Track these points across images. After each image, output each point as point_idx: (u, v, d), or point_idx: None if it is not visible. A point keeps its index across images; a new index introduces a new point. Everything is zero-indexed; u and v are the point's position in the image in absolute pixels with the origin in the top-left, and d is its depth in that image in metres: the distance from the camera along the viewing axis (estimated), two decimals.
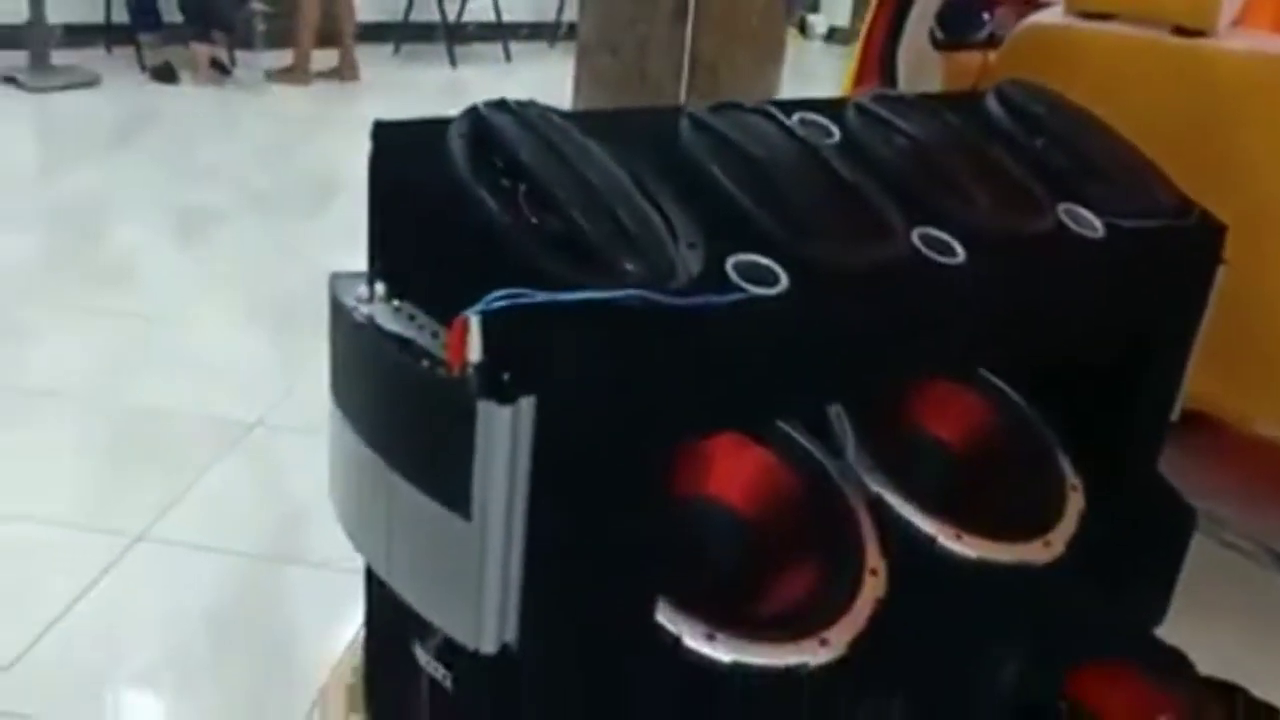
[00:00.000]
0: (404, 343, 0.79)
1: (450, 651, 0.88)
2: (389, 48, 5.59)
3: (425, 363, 0.76)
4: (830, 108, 1.10)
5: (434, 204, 0.83)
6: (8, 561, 1.94)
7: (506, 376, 0.74)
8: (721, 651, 0.91)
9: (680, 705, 0.89)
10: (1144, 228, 1.12)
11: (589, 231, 0.79)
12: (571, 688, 0.84)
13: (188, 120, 4.58)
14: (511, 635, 0.80)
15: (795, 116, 1.06)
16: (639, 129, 0.98)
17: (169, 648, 1.76)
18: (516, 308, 0.74)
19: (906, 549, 1.07)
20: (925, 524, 1.08)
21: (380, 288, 0.83)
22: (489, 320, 0.73)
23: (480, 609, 0.78)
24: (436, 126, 0.85)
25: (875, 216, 0.96)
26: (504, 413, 0.72)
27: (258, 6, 5.30)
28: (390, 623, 0.97)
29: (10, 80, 4.42)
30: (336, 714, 1.08)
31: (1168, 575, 1.29)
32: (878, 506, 1.09)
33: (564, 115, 0.91)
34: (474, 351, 0.74)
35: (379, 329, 0.80)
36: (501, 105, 0.88)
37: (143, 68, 4.83)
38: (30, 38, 4.43)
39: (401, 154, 0.86)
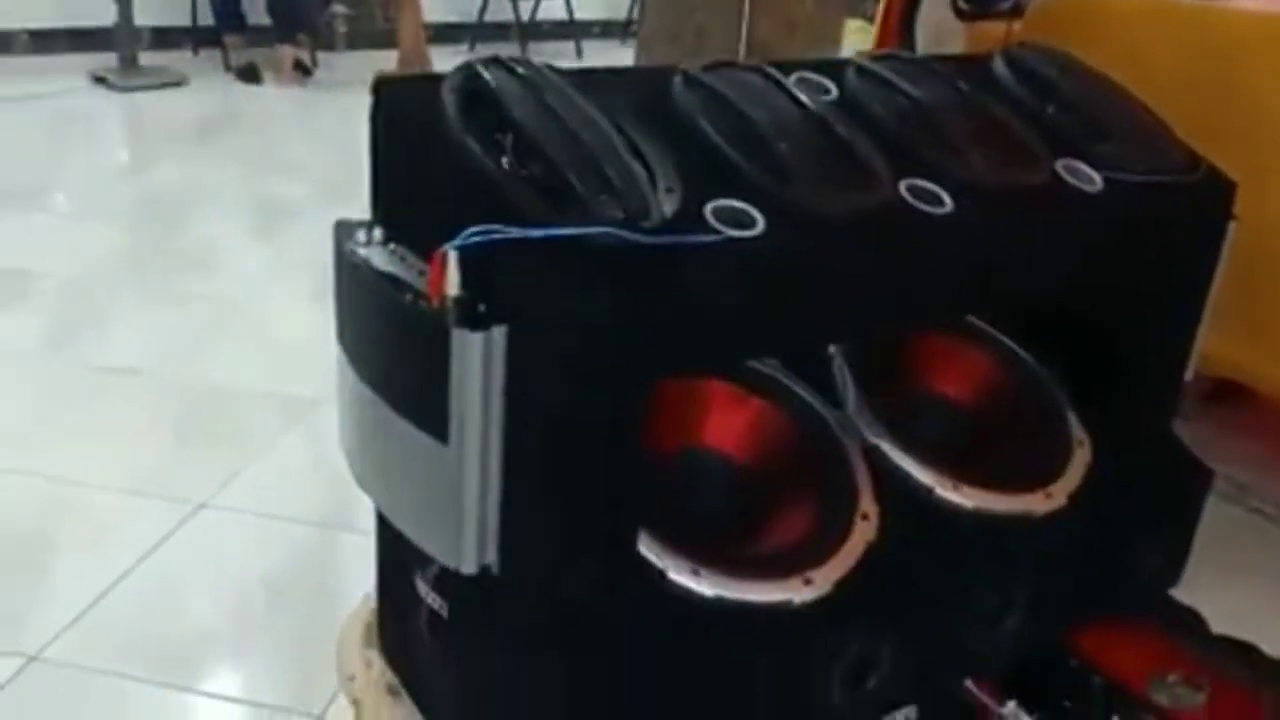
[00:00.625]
0: (394, 281, 0.84)
1: (445, 580, 0.93)
2: (464, 48, 5.70)
3: (410, 297, 0.81)
4: (832, 68, 1.12)
5: (424, 153, 0.88)
6: (80, 524, 2.06)
7: (482, 308, 0.78)
8: (705, 586, 0.95)
9: (665, 638, 0.92)
10: (1146, 182, 1.13)
11: (569, 177, 0.83)
12: (552, 613, 0.88)
13: (270, 119, 4.74)
14: (492, 557, 0.85)
15: (793, 76, 1.09)
16: (634, 85, 1.02)
17: (226, 607, 1.85)
18: (490, 243, 0.78)
19: (903, 497, 1.09)
20: (922, 473, 1.10)
21: (377, 232, 0.89)
22: (465, 255, 0.78)
23: (460, 530, 0.83)
24: (433, 82, 0.90)
25: (860, 166, 0.98)
26: (476, 340, 0.77)
27: (340, 10, 5.45)
28: (395, 557, 1.03)
29: (101, 80, 4.62)
30: (353, 649, 1.13)
31: (1182, 536, 1.28)
32: (875, 456, 1.11)
33: (560, 72, 0.95)
34: (452, 285, 0.79)
35: (372, 269, 0.85)
36: (495, 61, 0.93)
37: (227, 68, 5.00)
38: (118, 40, 4.62)
39: (399, 107, 0.91)
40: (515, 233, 0.79)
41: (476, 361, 0.78)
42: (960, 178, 1.02)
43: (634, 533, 0.91)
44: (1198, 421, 1.47)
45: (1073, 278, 1.15)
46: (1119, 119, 1.19)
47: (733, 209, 0.90)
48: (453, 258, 0.78)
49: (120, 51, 4.65)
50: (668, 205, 0.85)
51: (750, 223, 0.89)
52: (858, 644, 1.02)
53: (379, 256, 0.86)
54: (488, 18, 5.85)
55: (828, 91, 1.10)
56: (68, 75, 4.62)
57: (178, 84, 4.75)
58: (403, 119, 0.91)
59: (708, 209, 0.89)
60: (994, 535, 1.11)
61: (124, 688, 1.71)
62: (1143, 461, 1.23)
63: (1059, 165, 1.11)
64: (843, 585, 1.00)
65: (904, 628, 1.05)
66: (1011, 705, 1.24)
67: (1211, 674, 1.24)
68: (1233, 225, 1.22)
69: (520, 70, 0.92)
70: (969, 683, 1.28)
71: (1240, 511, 1.63)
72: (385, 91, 0.91)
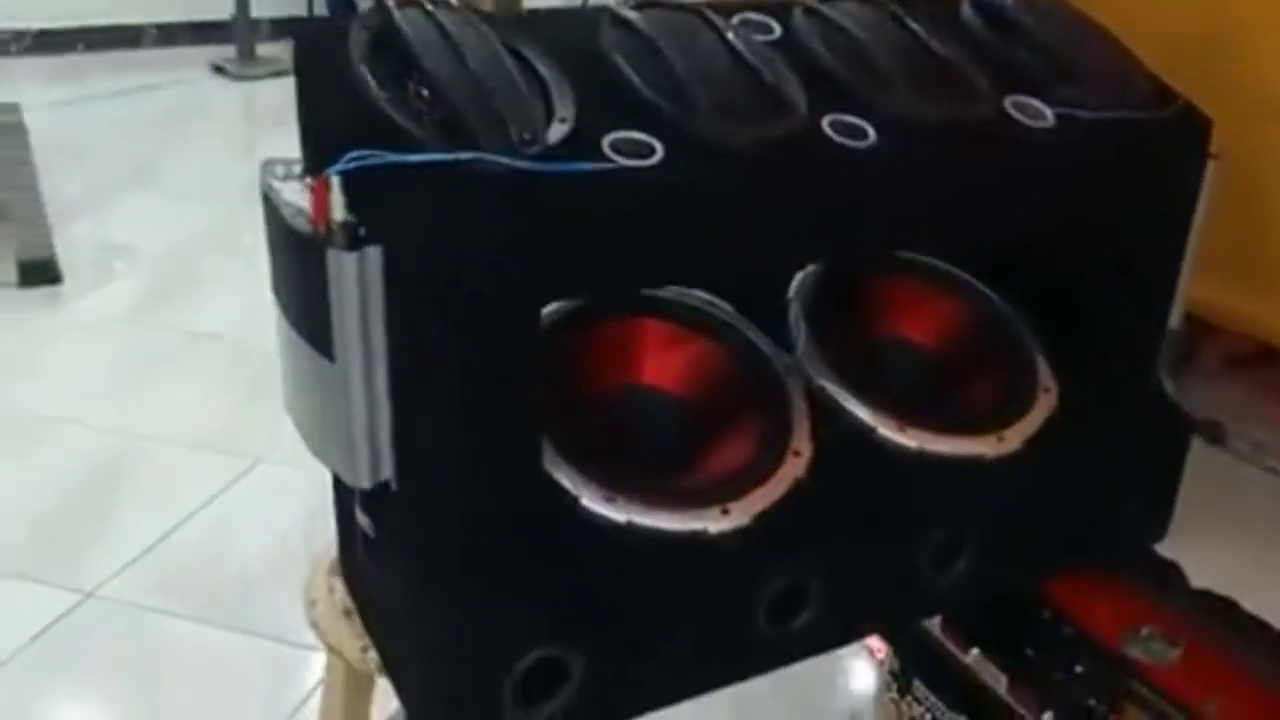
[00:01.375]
0: (298, 211, 0.89)
1: (368, 500, 0.97)
2: None
3: (300, 222, 0.86)
4: (780, 9, 1.12)
5: (330, 91, 0.92)
6: (146, 475, 2.20)
7: (362, 231, 0.82)
8: (618, 513, 0.97)
9: (577, 562, 0.95)
10: (1104, 119, 1.09)
11: (457, 106, 0.86)
12: (457, 532, 0.91)
13: None
14: (388, 473, 0.89)
15: (737, 16, 1.10)
16: (565, 25, 1.04)
17: (270, 554, 1.96)
18: (368, 167, 0.82)
19: (843, 437, 1.09)
20: (866, 413, 1.10)
21: (295, 168, 0.94)
22: (345, 179, 0.82)
23: (352, 445, 0.87)
24: (347, 25, 0.94)
25: (777, 100, 0.98)
26: (350, 260, 0.81)
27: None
28: (341, 487, 1.08)
29: (220, 70, 4.85)
30: (321, 578, 1.19)
31: (1163, 489, 1.24)
32: (819, 396, 1.11)
33: (481, 14, 0.99)
34: (336, 209, 0.83)
35: (284, 201, 0.90)
36: (410, 2, 0.97)
37: None
38: (238, 32, 4.85)
39: (312, 47, 0.96)
40: (393, 157, 0.82)
41: (352, 281, 0.82)
42: (889, 112, 1.01)
43: (535, 455, 0.94)
44: (1226, 382, 1.42)
45: (1029, 218, 1.12)
46: (1086, 56, 1.15)
47: (632, 140, 0.91)
48: (335, 182, 0.82)
49: (239, 43, 4.88)
50: (556, 134, 0.88)
51: (648, 153, 0.91)
52: (782, 578, 1.02)
53: (289, 189, 0.91)
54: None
55: (770, 31, 1.10)
56: (190, 67, 4.87)
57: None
58: (314, 59, 0.95)
59: (606, 140, 0.91)
60: (940, 477, 1.10)
61: (169, 625, 1.83)
62: (1115, 411, 1.20)
63: (1007, 102, 1.08)
64: (764, 518, 1.01)
65: (838, 564, 1.05)
66: (975, 653, 1.23)
67: (1188, 629, 1.20)
68: (1213, 165, 1.17)
69: (433, 9, 0.95)
70: (936, 628, 1.27)
71: (1256, 470, 1.57)
72: (303, 36, 0.96)
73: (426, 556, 0.92)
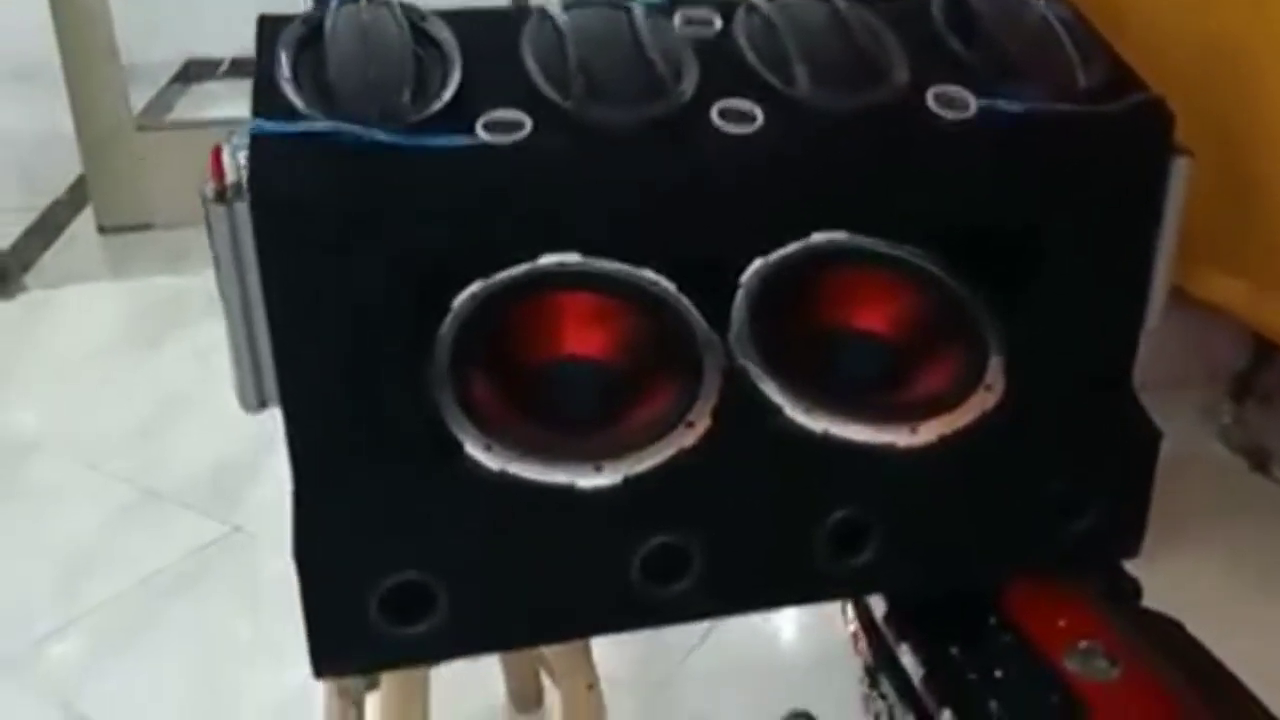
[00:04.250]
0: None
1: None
2: None
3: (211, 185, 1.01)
4: (728, 6, 1.17)
5: (264, 72, 1.07)
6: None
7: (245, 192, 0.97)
8: (493, 461, 1.05)
9: (453, 503, 1.05)
10: (1036, 111, 1.07)
11: (337, 86, 0.99)
12: (336, 462, 1.04)
13: None
14: (271, 398, 1.03)
15: (681, 12, 1.16)
16: (489, 20, 1.14)
17: None
18: (255, 135, 0.96)
19: (748, 415, 1.12)
20: (776, 395, 1.12)
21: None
22: (235, 148, 0.97)
23: (240, 374, 1.02)
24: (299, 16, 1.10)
25: (662, 84, 1.04)
26: (221, 211, 0.96)
27: None
28: None
29: None
30: None
31: (1130, 505, 1.18)
32: (738, 376, 1.14)
33: (422, 12, 1.11)
34: (229, 172, 0.98)
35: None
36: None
37: None
38: None
39: (263, 36, 1.11)
40: (270, 127, 0.96)
41: (225, 233, 0.96)
42: (783, 99, 1.05)
43: (410, 398, 1.04)
44: None
45: (961, 208, 1.11)
46: (1039, 51, 1.13)
47: (506, 118, 1.00)
48: (225, 150, 0.97)
49: None
50: (426, 110, 0.98)
51: (515, 129, 1.00)
52: (656, 540, 1.07)
53: (228, 158, 1.07)
54: None
55: (710, 25, 1.15)
56: None
57: None
58: (261, 45, 1.10)
59: (482, 118, 1.00)
60: (845, 463, 1.11)
61: None
62: (1070, 416, 1.15)
63: (931, 92, 1.08)
64: (638, 480, 1.06)
65: (723, 535, 1.09)
66: (905, 646, 1.22)
67: (1130, 650, 1.13)
68: (1181, 162, 1.11)
69: (366, 4, 1.08)
70: (866, 616, 1.27)
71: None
72: (261, 22, 1.11)
73: (308, 483, 1.05)
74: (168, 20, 3.95)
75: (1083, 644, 1.15)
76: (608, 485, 1.06)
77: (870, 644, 1.34)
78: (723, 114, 1.04)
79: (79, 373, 2.69)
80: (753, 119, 1.04)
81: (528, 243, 1.06)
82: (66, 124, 3.51)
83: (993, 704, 1.10)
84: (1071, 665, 1.14)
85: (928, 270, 1.23)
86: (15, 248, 3.16)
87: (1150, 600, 1.27)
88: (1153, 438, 1.17)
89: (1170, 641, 1.14)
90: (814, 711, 1.47)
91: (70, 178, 3.37)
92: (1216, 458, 2.08)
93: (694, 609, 1.12)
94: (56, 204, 3.38)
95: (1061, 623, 1.18)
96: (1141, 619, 1.17)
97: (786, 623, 1.77)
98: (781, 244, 1.20)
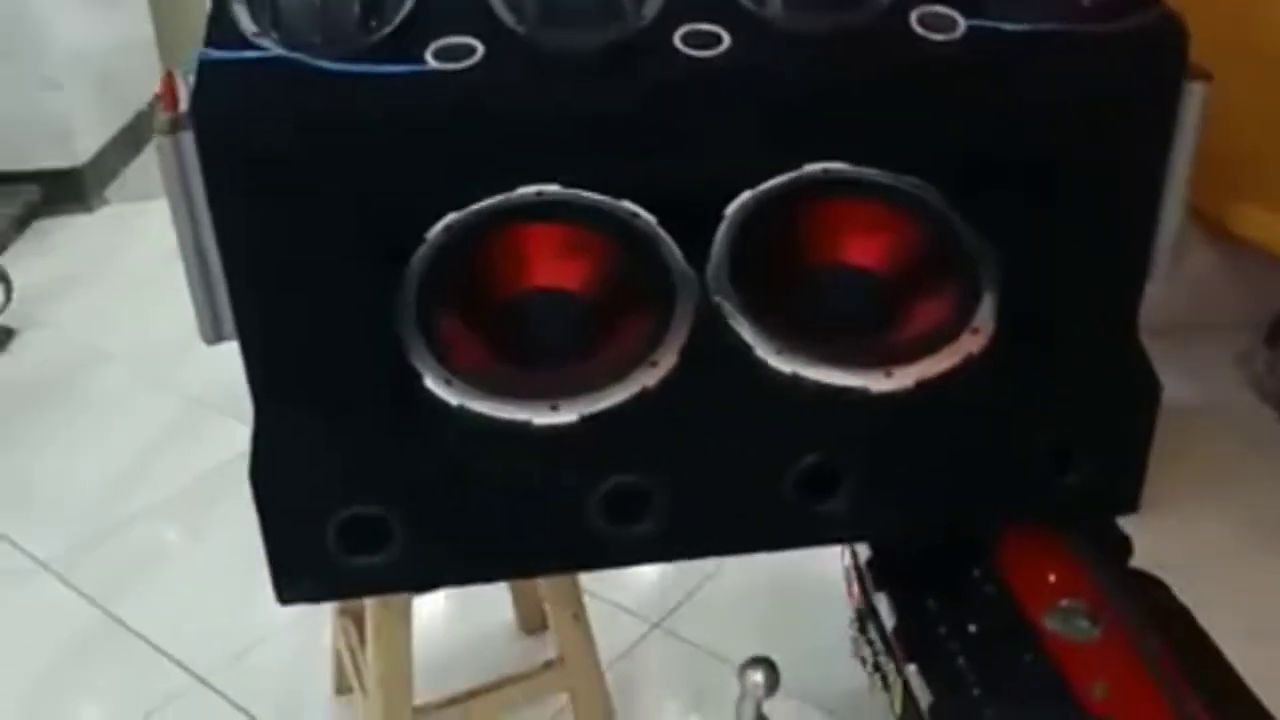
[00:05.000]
0: None
1: None
2: None
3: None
4: None
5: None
6: None
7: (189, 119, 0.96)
8: (452, 396, 1.04)
9: (410, 436, 1.04)
10: (1027, 31, 0.99)
11: (287, 15, 0.97)
12: (295, 394, 1.04)
13: None
14: (229, 334, 1.03)
15: None
16: None
17: None
18: (202, 63, 0.95)
19: (717, 355, 1.08)
20: (748, 334, 1.08)
21: None
22: (184, 76, 0.96)
23: (197, 309, 1.02)
24: None
25: (619, 9, 0.99)
26: (166, 142, 0.95)
27: None
28: None
29: None
30: None
31: (1127, 458, 1.11)
32: (711, 313, 1.10)
33: None
34: (182, 101, 0.97)
35: None
36: None
37: None
38: None
39: None
40: (216, 55, 0.95)
41: (173, 161, 0.95)
42: (754, 20, 0.99)
43: (366, 331, 1.03)
44: None
45: (955, 132, 1.04)
46: None
47: (454, 45, 0.97)
48: (178, 75, 0.96)
49: None
50: (369, 38, 0.96)
51: (465, 56, 0.96)
52: (614, 479, 1.05)
53: (181, 85, 1.05)
54: None
55: None
56: None
57: None
58: None
59: (433, 45, 0.97)
60: (815, 406, 1.07)
61: None
62: (1062, 364, 1.09)
63: (915, 13, 1.01)
64: (593, 420, 1.04)
65: (687, 476, 1.07)
66: (882, 595, 1.19)
67: (1111, 609, 1.08)
68: (1196, 87, 1.02)
69: None
70: (854, 561, 1.24)
71: None
72: None
73: (267, 414, 1.05)
74: None
75: (1065, 602, 1.11)
76: (564, 423, 1.04)
77: (860, 589, 1.31)
78: (686, 38, 0.99)
79: (149, 288, 2.77)
80: (718, 41, 0.99)
81: (486, 174, 1.03)
82: (148, 30, 3.56)
83: (960, 660, 1.07)
84: (1051, 624, 1.10)
85: (926, 202, 1.17)
86: (95, 161, 3.24)
87: (1156, 551, 1.21)
88: (1153, 390, 1.10)
89: (1155, 604, 1.09)
90: (815, 646, 1.46)
91: (154, 88, 3.43)
92: (1245, 406, 1.95)
93: (655, 551, 1.10)
94: (140, 115, 3.44)
95: (1051, 578, 1.14)
96: (1129, 579, 1.12)
97: (802, 558, 1.74)
98: (769, 176, 1.15)
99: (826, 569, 1.72)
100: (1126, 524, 1.20)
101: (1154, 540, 1.20)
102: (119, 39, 3.42)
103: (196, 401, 2.27)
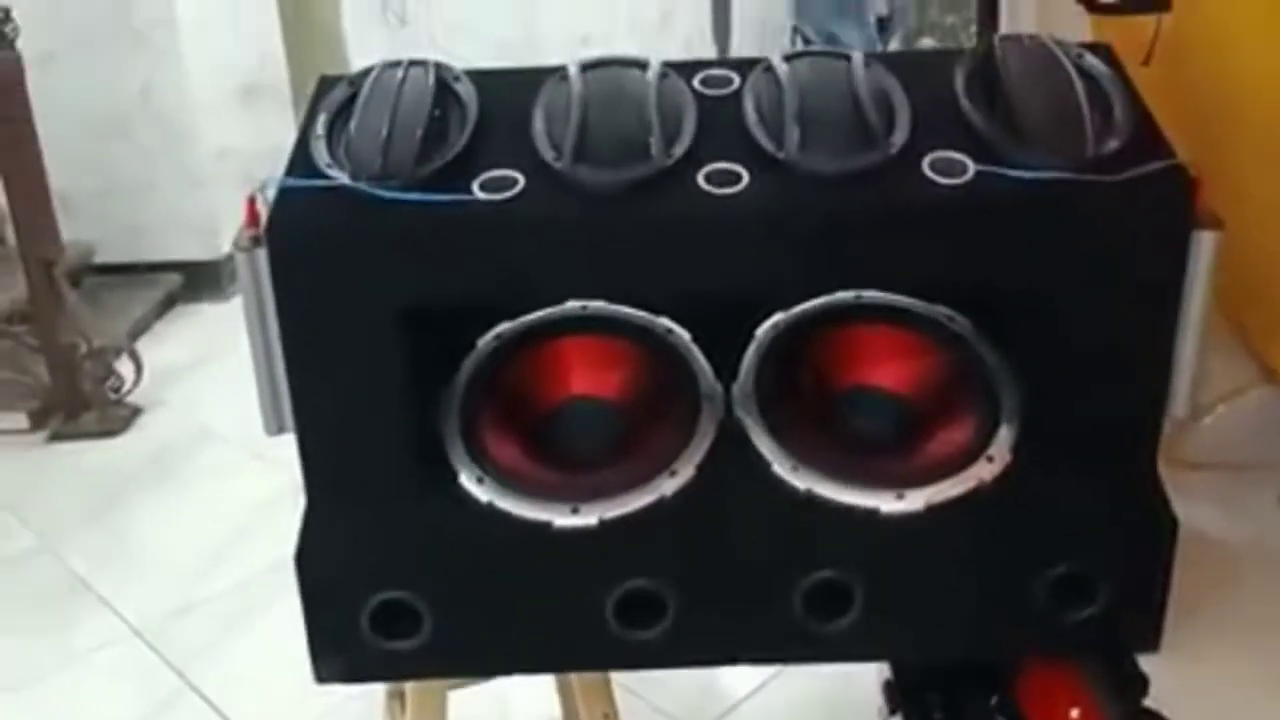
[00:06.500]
0: None
1: None
2: None
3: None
4: (747, 64, 1.19)
5: (301, 133, 1.18)
6: None
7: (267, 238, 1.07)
8: (483, 493, 1.12)
9: (443, 531, 1.13)
10: (1035, 179, 1.04)
11: (356, 145, 1.09)
12: (339, 487, 1.13)
13: None
14: (288, 426, 1.13)
15: (702, 73, 1.19)
16: (510, 82, 1.20)
17: None
18: (279, 190, 1.07)
19: (735, 468, 1.13)
20: (766, 449, 1.14)
21: None
22: (264, 199, 1.08)
23: (262, 403, 1.13)
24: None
25: (653, 147, 1.08)
26: (243, 257, 1.06)
27: None
28: None
29: None
30: None
31: (1143, 595, 1.11)
32: (733, 428, 1.16)
33: (450, 71, 1.19)
34: (262, 221, 1.09)
35: None
36: (412, 62, 1.20)
37: None
38: None
39: (316, 95, 1.22)
40: (293, 182, 1.07)
41: (248, 275, 1.07)
42: (771, 161, 1.06)
43: (410, 433, 1.12)
44: None
45: (966, 273, 1.09)
46: (1061, 114, 1.09)
47: (500, 177, 1.07)
48: (259, 200, 1.08)
49: None
50: (429, 167, 1.06)
51: (508, 188, 1.06)
52: (628, 583, 1.10)
53: (261, 208, 1.17)
54: None
55: (729, 85, 1.18)
56: None
57: None
58: (313, 103, 1.21)
59: (480, 176, 1.08)
60: (828, 524, 1.11)
61: None
62: (1077, 497, 1.11)
63: (928, 158, 1.07)
64: (613, 524, 1.10)
65: (699, 585, 1.11)
66: (898, 719, 1.21)
67: None
68: (1205, 236, 1.05)
69: (411, 66, 1.17)
70: (886, 677, 1.26)
71: None
72: (321, 81, 1.22)
73: (317, 502, 1.15)
74: (394, 36, 4.24)
75: None
76: (583, 526, 1.11)
77: (888, 705, 1.33)
78: (709, 176, 1.07)
79: None
80: (738, 180, 1.06)
81: (524, 291, 1.13)
82: (290, 139, 3.83)
83: None
84: None
85: (953, 330, 1.22)
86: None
87: (1184, 695, 1.20)
88: (1170, 527, 1.11)
89: None
90: None
91: None
92: None
93: (668, 656, 1.15)
94: None
95: (1074, 713, 1.14)
96: (1135, 715, 1.11)
97: (845, 672, 1.75)
98: (799, 301, 1.21)
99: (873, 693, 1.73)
100: (1151, 663, 1.20)
101: (1179, 682, 1.19)
102: (261, 143, 3.69)
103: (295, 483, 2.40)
